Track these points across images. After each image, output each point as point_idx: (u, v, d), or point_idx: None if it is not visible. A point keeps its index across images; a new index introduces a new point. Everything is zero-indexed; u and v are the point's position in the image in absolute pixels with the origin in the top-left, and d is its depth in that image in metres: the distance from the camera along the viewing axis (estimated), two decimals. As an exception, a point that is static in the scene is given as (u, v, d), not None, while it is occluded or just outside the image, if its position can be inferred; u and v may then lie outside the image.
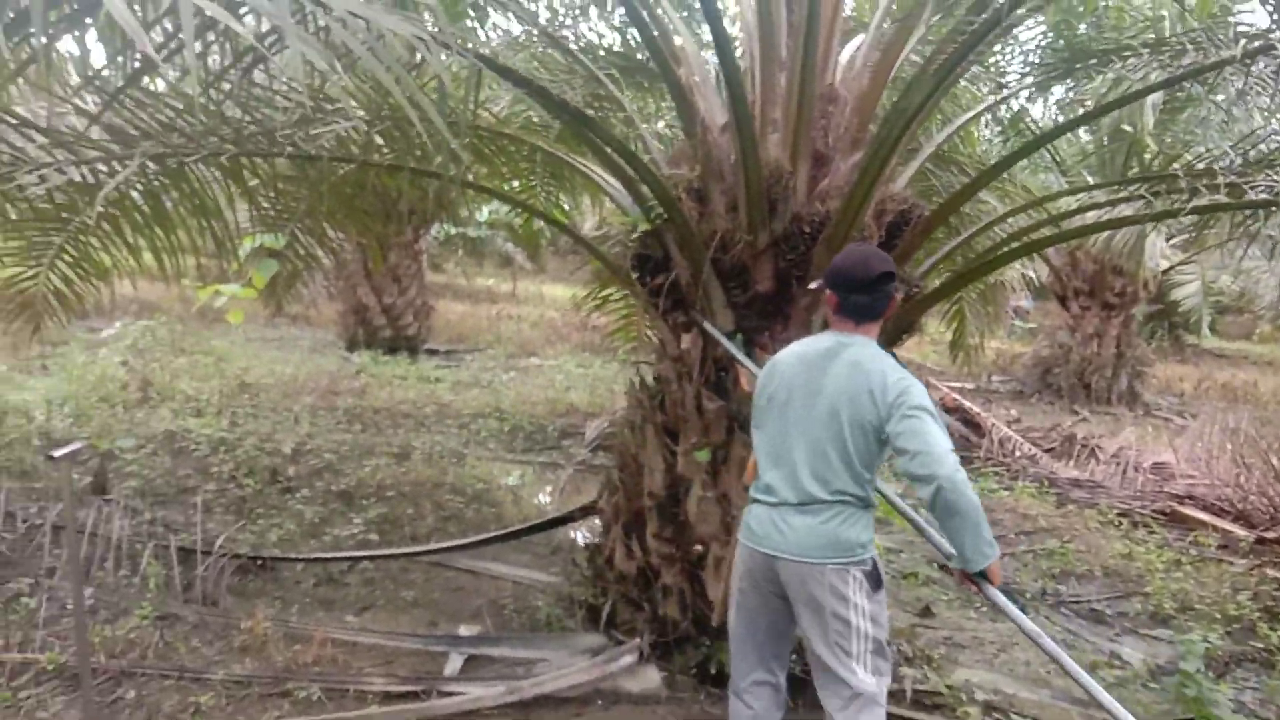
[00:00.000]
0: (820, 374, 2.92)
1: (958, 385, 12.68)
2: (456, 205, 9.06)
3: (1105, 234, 9.89)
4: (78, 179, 4.17)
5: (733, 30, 5.38)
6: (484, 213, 18.01)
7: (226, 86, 4.21)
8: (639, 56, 5.73)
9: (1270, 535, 6.38)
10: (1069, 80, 5.67)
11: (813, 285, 3.32)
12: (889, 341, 4.38)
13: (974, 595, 5.52)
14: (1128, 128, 9.81)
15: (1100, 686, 2.86)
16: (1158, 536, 6.67)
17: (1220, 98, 5.63)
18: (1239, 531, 6.56)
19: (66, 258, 5.18)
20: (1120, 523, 7.11)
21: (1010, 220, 5.42)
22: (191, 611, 4.43)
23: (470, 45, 3.94)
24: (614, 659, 4.07)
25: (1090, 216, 6.46)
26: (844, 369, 2.88)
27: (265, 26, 3.72)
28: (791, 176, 4.04)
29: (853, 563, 2.85)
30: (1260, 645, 4.94)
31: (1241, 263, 15.33)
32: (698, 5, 4.24)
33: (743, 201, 4.03)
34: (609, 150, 4.23)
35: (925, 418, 2.74)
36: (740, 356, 3.99)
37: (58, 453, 2.91)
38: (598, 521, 4.96)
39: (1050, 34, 5.63)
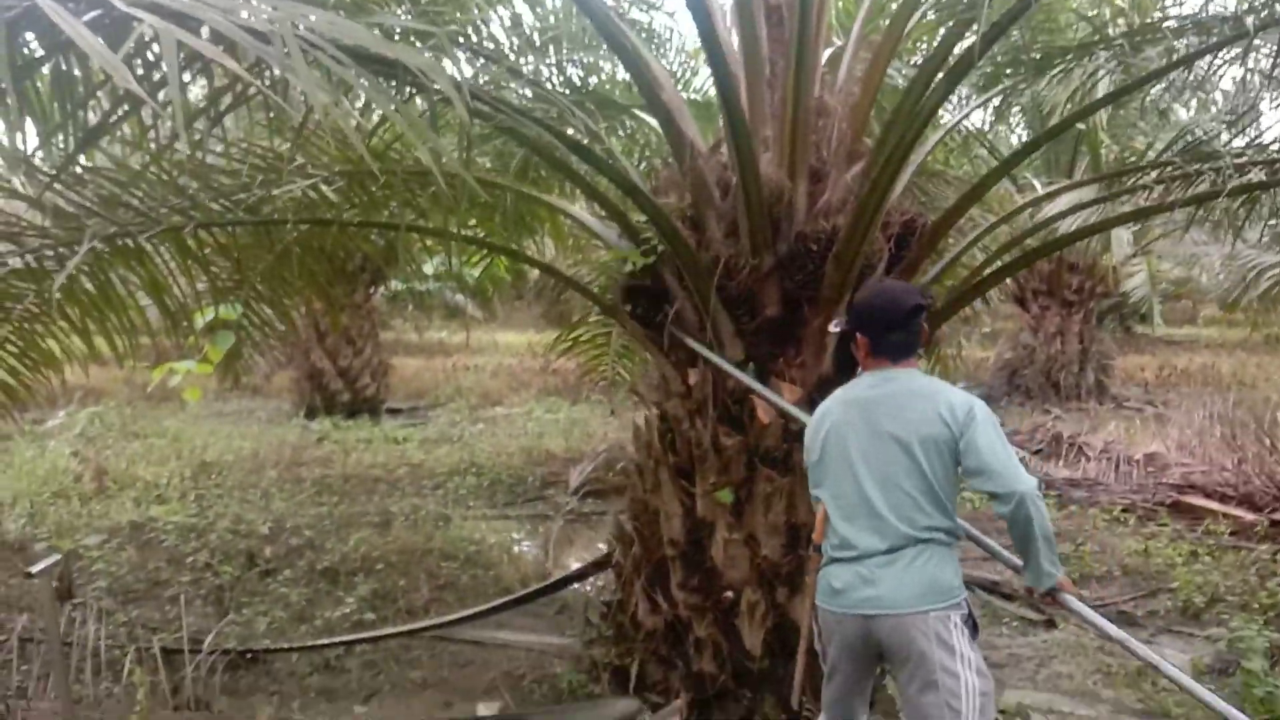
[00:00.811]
0: (878, 412, 2.76)
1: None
2: (409, 260, 8.79)
3: (1073, 230, 9.90)
4: (19, 266, 3.87)
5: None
6: (431, 265, 17.70)
7: (178, 154, 3.94)
8: (606, 89, 5.57)
9: (1280, 517, 6.30)
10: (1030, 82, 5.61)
11: (834, 328, 3.14)
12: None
13: (1017, 611, 5.41)
14: (1080, 125, 9.90)
15: (1201, 686, 2.78)
16: (1168, 529, 6.56)
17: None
18: (1248, 516, 6.48)
19: (11, 348, 4.82)
20: (1126, 519, 7.00)
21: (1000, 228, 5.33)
22: (184, 719, 4.06)
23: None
24: (655, 724, 3.79)
25: (1060, 214, 6.44)
26: (904, 399, 2.76)
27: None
28: (791, 194, 3.86)
29: (952, 606, 2.66)
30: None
31: (1186, 249, 15.61)
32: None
33: (744, 224, 3.84)
34: (597, 185, 4.03)
35: (997, 433, 2.65)
36: (754, 384, 3.78)
37: (35, 568, 2.58)
38: (612, 576, 4.69)
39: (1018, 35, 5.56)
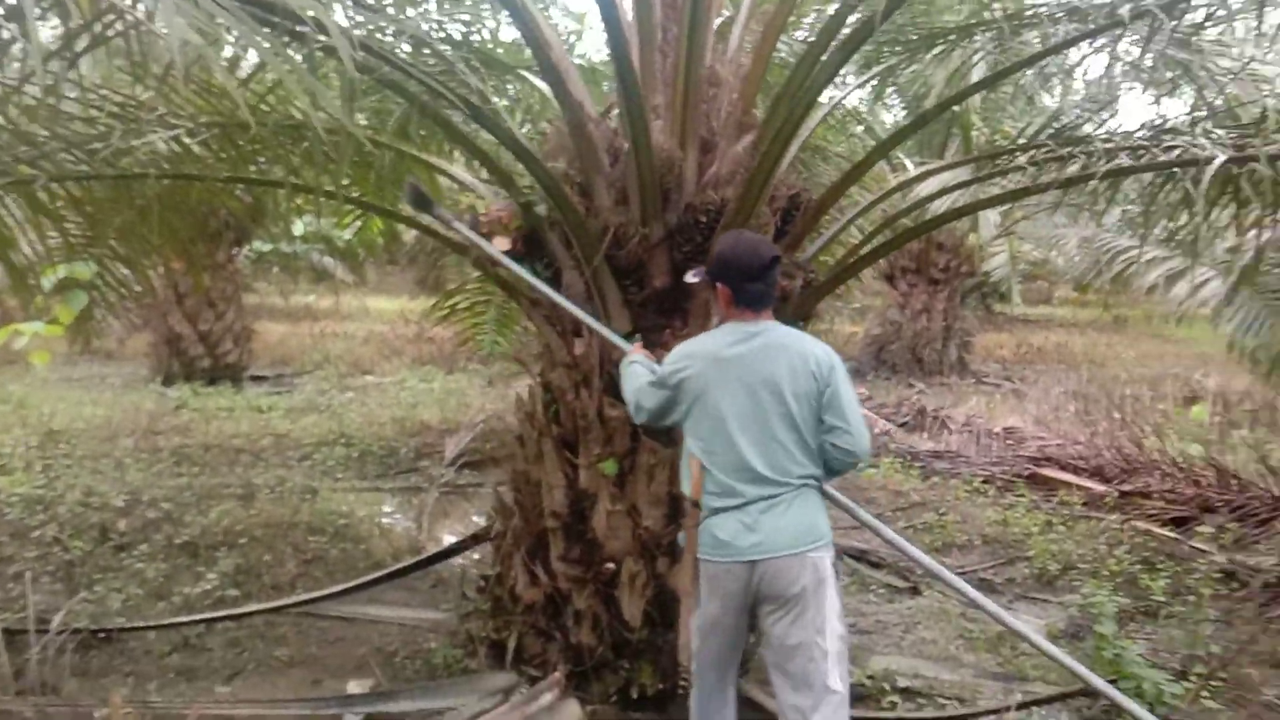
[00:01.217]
0: (749, 365, 2.84)
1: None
2: (278, 219, 8.40)
3: (943, 211, 10.23)
4: None
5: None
6: (300, 226, 17.03)
7: (28, 99, 3.62)
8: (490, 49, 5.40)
9: (1128, 488, 6.67)
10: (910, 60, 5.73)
11: (692, 278, 3.13)
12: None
13: (884, 579, 5.56)
14: (954, 107, 10.18)
15: (1055, 648, 2.99)
16: (1025, 500, 6.87)
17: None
18: (1098, 488, 6.84)
19: None
20: (986, 490, 7.30)
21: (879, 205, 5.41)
22: (29, 705, 3.79)
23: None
24: (533, 698, 3.74)
25: (935, 194, 6.61)
26: (773, 352, 2.85)
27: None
28: (682, 164, 3.83)
29: (825, 547, 2.83)
30: (1143, 597, 5.10)
31: (1046, 231, 16.36)
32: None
33: (634, 193, 3.79)
34: (483, 147, 3.90)
35: (853, 393, 2.84)
36: (611, 336, 3.71)
37: None
38: (490, 549, 4.60)
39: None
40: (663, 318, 3.93)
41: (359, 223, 10.66)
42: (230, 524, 6.02)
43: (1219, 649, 4.32)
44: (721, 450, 2.82)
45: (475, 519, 6.50)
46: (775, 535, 2.76)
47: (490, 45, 5.66)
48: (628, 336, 3.87)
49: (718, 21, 4.62)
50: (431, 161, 4.80)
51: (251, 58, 3.70)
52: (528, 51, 6.67)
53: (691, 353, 2.95)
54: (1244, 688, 4.04)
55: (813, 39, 4.07)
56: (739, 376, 2.82)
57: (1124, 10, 3.78)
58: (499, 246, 3.92)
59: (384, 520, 6.44)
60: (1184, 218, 4.68)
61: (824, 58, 3.70)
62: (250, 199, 5.88)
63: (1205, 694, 3.91)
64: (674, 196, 3.83)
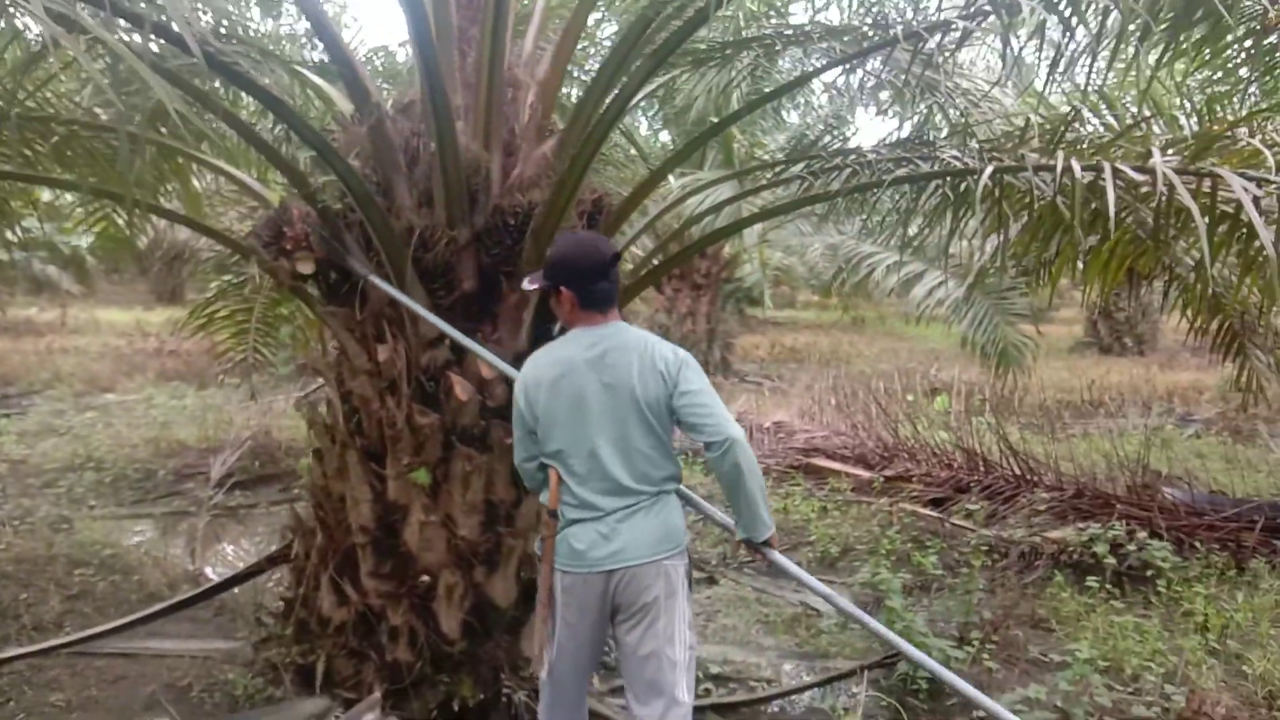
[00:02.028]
0: (602, 370, 2.75)
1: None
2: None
3: (710, 218, 10.68)
4: None
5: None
6: (17, 231, 15.33)
7: None
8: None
9: (891, 473, 7.23)
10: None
11: (529, 285, 2.99)
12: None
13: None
14: (714, 119, 10.63)
15: (893, 633, 3.09)
16: (801, 488, 7.28)
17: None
18: (865, 474, 7.37)
19: None
20: (765, 480, 7.65)
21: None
22: None
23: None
24: (351, 721, 3.57)
25: (720, 204, 6.90)
26: (624, 356, 2.76)
27: None
28: (488, 166, 3.78)
29: (680, 554, 2.81)
30: (918, 572, 5.54)
31: (793, 239, 17.44)
32: None
33: (439, 194, 3.71)
34: (273, 141, 3.68)
35: (705, 382, 2.79)
36: (477, 349, 3.63)
37: None
38: (287, 571, 4.34)
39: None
40: (472, 321, 3.86)
41: (97, 227, 9.77)
42: (-32, 563, 5.34)
43: (990, 615, 4.77)
44: (581, 462, 2.74)
45: (244, 543, 6.11)
46: (633, 544, 2.71)
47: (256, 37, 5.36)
48: (437, 341, 3.79)
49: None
50: (211, 161, 4.49)
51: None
52: (285, 46, 6.41)
53: (543, 366, 2.83)
54: (1013, 648, 4.48)
55: (613, 45, 4.14)
56: (595, 384, 2.74)
57: (896, 30, 4.09)
58: (304, 269, 3.71)
59: (152, 548, 5.92)
60: (915, 226, 5.16)
61: (623, 65, 3.80)
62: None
63: (984, 656, 4.30)
64: (481, 198, 3.78)
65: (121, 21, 3.04)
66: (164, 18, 3.19)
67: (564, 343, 2.87)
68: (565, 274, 2.81)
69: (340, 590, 3.88)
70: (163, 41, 3.39)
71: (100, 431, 9.39)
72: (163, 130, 4.96)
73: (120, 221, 6.82)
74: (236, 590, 4.99)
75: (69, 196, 8.24)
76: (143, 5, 2.72)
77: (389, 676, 3.78)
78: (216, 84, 4.80)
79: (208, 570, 5.50)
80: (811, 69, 5.03)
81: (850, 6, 5.36)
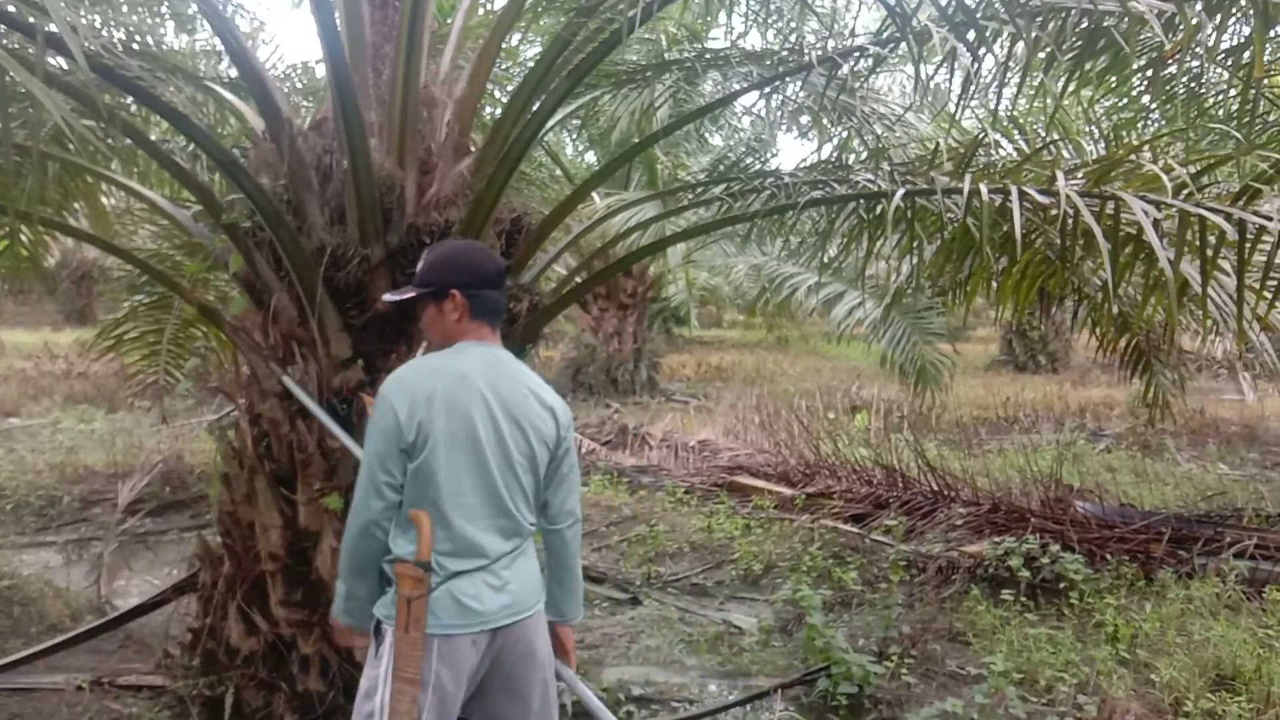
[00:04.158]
0: (499, 393, 2.41)
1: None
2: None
3: (634, 236, 10.74)
4: None
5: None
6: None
7: None
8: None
9: (812, 490, 7.29)
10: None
11: (396, 297, 2.63)
12: (516, 353, 4.25)
13: (605, 592, 5.65)
14: (636, 140, 10.70)
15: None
16: (725, 506, 7.29)
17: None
18: (787, 491, 7.42)
19: None
20: (689, 499, 7.68)
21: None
22: None
23: None
24: (259, 756, 3.45)
25: (642, 224, 6.92)
26: (518, 385, 2.46)
27: None
28: (403, 184, 3.73)
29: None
30: (838, 587, 5.58)
31: (718, 259, 17.62)
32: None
33: (351, 212, 3.64)
34: (178, 159, 3.58)
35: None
36: (324, 419, 3.53)
37: None
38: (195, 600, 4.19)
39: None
40: (385, 342, 3.79)
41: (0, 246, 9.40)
42: None
43: (908, 629, 4.82)
44: (474, 493, 2.36)
45: (155, 573, 5.90)
46: (522, 593, 2.44)
47: (171, 53, 5.23)
48: (349, 362, 3.72)
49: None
50: (116, 178, 4.35)
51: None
52: (200, 62, 6.26)
53: (429, 376, 2.41)
54: (932, 661, 4.54)
55: (532, 64, 4.13)
56: (490, 407, 2.38)
57: (811, 55, 4.16)
58: None
59: (55, 577, 5.67)
60: (833, 248, 5.25)
61: (541, 84, 3.79)
62: None
63: (903, 671, 4.34)
64: (395, 217, 3.72)
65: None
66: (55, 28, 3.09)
67: (452, 355, 2.46)
68: (457, 274, 2.46)
69: (249, 619, 3.77)
70: (64, 57, 3.28)
71: (2, 458, 9.00)
72: (70, 147, 4.82)
73: (25, 239, 6.62)
74: (142, 620, 4.82)
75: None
76: (31, 19, 2.61)
77: (300, 707, 3.68)
78: (128, 101, 4.69)
79: (114, 600, 5.28)
80: (731, 92, 5.07)
81: (768, 32, 5.46)
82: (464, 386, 2.38)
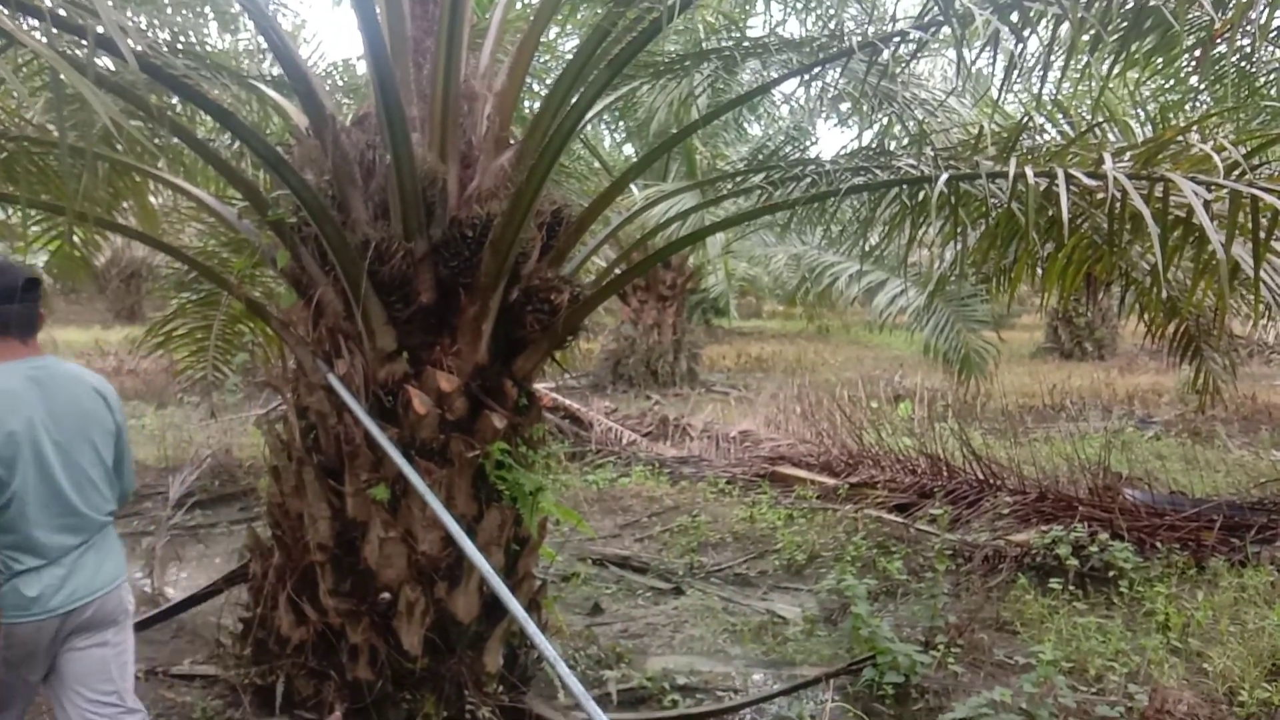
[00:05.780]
0: (56, 402, 2.61)
1: (539, 386, 12.99)
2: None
3: (674, 226, 10.74)
4: None
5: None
6: (-31, 252, 15.05)
7: None
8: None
9: (855, 480, 7.25)
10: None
11: None
12: (558, 345, 4.28)
13: (648, 583, 5.68)
14: (674, 130, 10.67)
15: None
16: (767, 497, 7.28)
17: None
18: (830, 481, 7.39)
19: None
20: (731, 490, 7.67)
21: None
22: None
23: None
24: (311, 743, 3.51)
25: (682, 214, 6.92)
26: (72, 385, 2.70)
27: None
28: (445, 178, 3.76)
29: (125, 581, 2.86)
30: (883, 577, 5.55)
31: (756, 249, 17.57)
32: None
33: (395, 206, 3.67)
34: (226, 157, 3.64)
35: None
36: (362, 415, 3.63)
37: None
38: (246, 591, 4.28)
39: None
40: (430, 335, 3.83)
41: (51, 245, 9.60)
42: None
43: (955, 619, 4.79)
44: (37, 496, 2.54)
45: (216, 561, 6.01)
46: (94, 577, 2.68)
47: (215, 53, 5.31)
48: (394, 354, 3.76)
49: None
50: (168, 178, 4.43)
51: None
52: (244, 61, 6.35)
53: None
54: (978, 651, 4.50)
55: (570, 57, 4.14)
56: (45, 412, 2.57)
57: (852, 41, 4.12)
58: None
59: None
60: (874, 235, 5.20)
61: (580, 76, 3.79)
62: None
63: (950, 660, 4.31)
64: (438, 211, 3.75)
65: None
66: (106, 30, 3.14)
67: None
68: None
69: (299, 609, 3.83)
70: (113, 57, 3.34)
71: (57, 453, 9.20)
72: (118, 147, 4.91)
73: (76, 239, 6.75)
74: (194, 611, 4.92)
75: (20, 214, 8.12)
76: (80, 21, 2.66)
77: (350, 695, 3.73)
78: (174, 100, 4.77)
79: (167, 590, 5.39)
80: (770, 80, 5.04)
81: (807, 19, 5.42)
82: (23, 404, 2.56)
